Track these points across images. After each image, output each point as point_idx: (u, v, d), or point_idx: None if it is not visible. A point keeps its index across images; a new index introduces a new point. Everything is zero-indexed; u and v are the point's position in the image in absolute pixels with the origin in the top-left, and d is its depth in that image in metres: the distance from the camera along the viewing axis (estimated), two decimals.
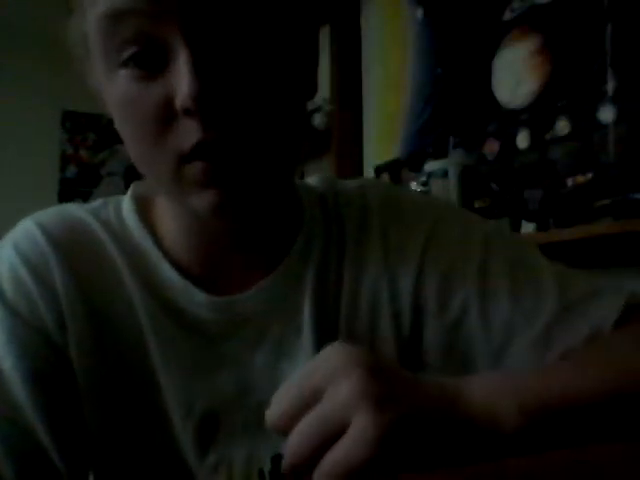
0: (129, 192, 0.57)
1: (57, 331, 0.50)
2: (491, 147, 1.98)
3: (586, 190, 1.64)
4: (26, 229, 0.53)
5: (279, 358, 0.53)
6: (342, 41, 2.65)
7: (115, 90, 0.46)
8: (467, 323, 0.53)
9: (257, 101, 0.44)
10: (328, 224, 0.58)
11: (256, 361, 0.53)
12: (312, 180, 0.63)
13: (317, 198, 0.59)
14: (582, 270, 0.56)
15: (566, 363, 0.47)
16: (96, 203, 0.57)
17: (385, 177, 2.40)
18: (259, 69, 0.44)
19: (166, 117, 0.44)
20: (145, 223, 0.55)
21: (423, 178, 2.07)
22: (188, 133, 0.43)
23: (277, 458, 0.49)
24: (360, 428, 0.33)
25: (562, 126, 1.74)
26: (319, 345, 0.53)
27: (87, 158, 3.49)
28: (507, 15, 1.95)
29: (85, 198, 3.34)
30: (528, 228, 1.72)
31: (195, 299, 0.53)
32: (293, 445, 0.35)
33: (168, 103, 0.43)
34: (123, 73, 0.44)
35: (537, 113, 1.83)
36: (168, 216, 0.55)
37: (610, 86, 1.62)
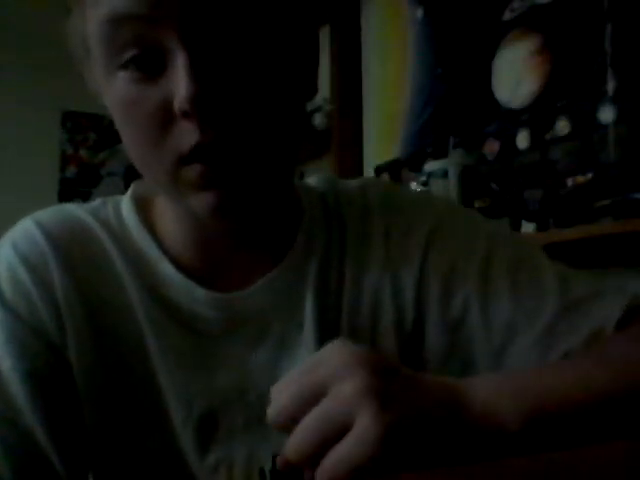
0: (129, 192, 0.57)
1: (56, 332, 0.50)
2: (491, 147, 1.98)
3: (586, 190, 1.64)
4: (25, 229, 0.53)
5: (280, 355, 0.53)
6: (342, 41, 2.65)
7: (114, 92, 0.46)
8: (468, 322, 0.53)
9: (255, 103, 0.45)
10: (329, 223, 0.58)
11: (257, 359, 0.53)
12: (312, 180, 0.63)
13: (317, 197, 0.59)
14: (582, 270, 0.56)
15: (566, 363, 0.47)
16: (95, 203, 0.57)
17: (385, 177, 2.39)
18: (257, 71, 0.45)
19: (164, 119, 0.44)
20: (145, 223, 0.55)
21: (423, 178, 2.07)
22: (186, 135, 0.44)
23: (278, 457, 0.49)
24: (364, 427, 0.33)
25: (562, 126, 1.74)
26: (321, 342, 0.53)
27: (87, 158, 3.49)
28: (507, 15, 1.95)
29: (85, 198, 3.33)
30: (528, 228, 1.72)
31: (195, 296, 0.53)
32: (295, 442, 0.35)
33: (166, 105, 0.43)
34: (122, 75, 0.44)
35: (537, 113, 1.82)
36: (168, 216, 0.55)
37: (610, 86, 1.62)
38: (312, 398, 0.35)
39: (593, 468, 0.30)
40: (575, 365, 0.44)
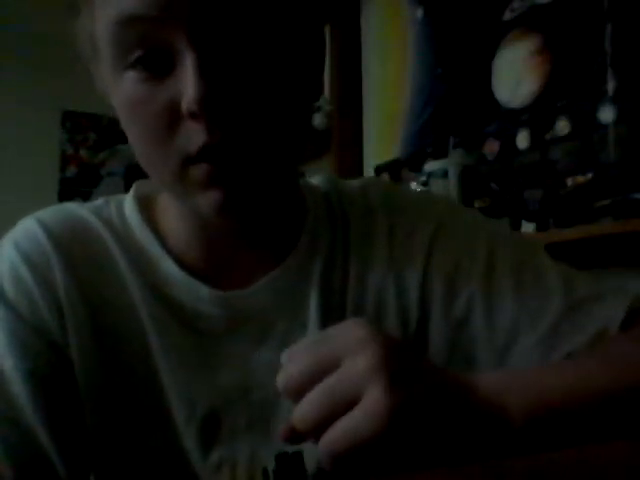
0: (131, 191, 0.57)
1: (58, 331, 0.50)
2: (491, 147, 1.98)
3: (586, 190, 1.64)
4: (27, 228, 0.53)
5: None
6: (342, 41, 2.65)
7: (122, 91, 0.46)
8: (472, 322, 0.53)
9: (262, 104, 0.45)
10: (333, 222, 0.58)
11: (260, 358, 0.53)
12: (314, 180, 0.63)
13: (321, 197, 0.59)
14: (582, 270, 0.56)
15: (569, 362, 0.47)
16: (98, 202, 0.57)
17: (385, 177, 2.39)
18: (264, 73, 0.45)
19: (172, 119, 0.44)
20: (147, 221, 0.55)
21: (423, 178, 2.07)
22: (194, 136, 0.44)
23: (281, 457, 0.49)
24: (372, 401, 0.33)
25: (562, 126, 1.74)
26: None
27: (87, 158, 3.48)
28: (507, 15, 1.95)
29: (85, 198, 3.33)
30: (528, 228, 1.72)
31: (198, 295, 0.53)
32: (302, 410, 0.35)
33: (174, 105, 0.43)
34: (130, 75, 0.45)
35: (537, 113, 1.82)
36: (171, 214, 0.55)
37: (610, 86, 1.62)
38: (324, 369, 0.35)
39: (593, 468, 0.30)
40: (578, 364, 0.44)
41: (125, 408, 0.51)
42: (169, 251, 0.54)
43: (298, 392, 0.36)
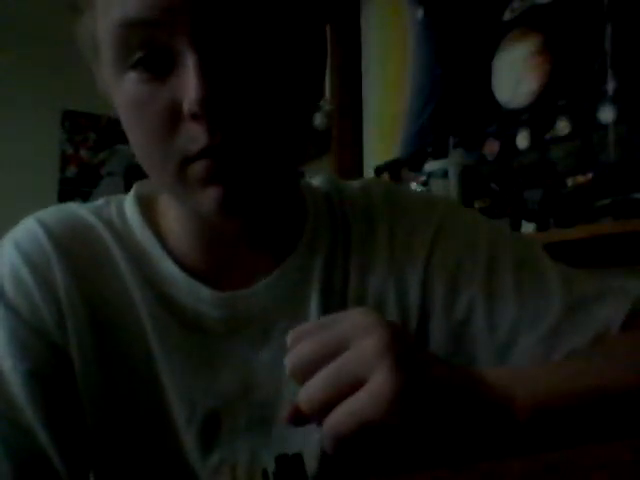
0: (132, 191, 0.57)
1: (58, 331, 0.50)
2: (491, 147, 1.98)
3: (586, 190, 1.64)
4: (28, 228, 0.53)
5: (283, 356, 0.53)
6: (342, 41, 2.65)
7: (123, 92, 0.46)
8: (473, 322, 0.53)
9: (263, 105, 0.45)
10: (334, 222, 0.58)
11: (260, 359, 0.53)
12: (315, 180, 0.63)
13: (322, 197, 0.59)
14: (582, 270, 0.56)
15: (573, 360, 0.48)
16: (98, 202, 0.57)
17: (385, 177, 2.39)
18: (265, 74, 0.45)
19: (173, 120, 0.44)
20: (148, 222, 0.55)
21: (423, 178, 2.07)
22: (195, 137, 0.44)
23: (281, 458, 0.49)
24: (379, 383, 0.33)
25: (562, 126, 1.74)
26: None
27: (87, 158, 3.48)
28: (507, 15, 1.95)
29: (85, 198, 3.33)
30: (528, 228, 1.72)
31: (199, 295, 0.52)
32: (308, 391, 0.35)
33: (175, 106, 0.43)
34: (132, 76, 0.45)
35: (537, 113, 1.82)
36: (171, 215, 0.55)
37: (610, 86, 1.62)
38: (331, 352, 0.35)
39: (594, 468, 0.30)
40: (580, 362, 0.44)
41: (125, 408, 0.51)
42: (170, 252, 0.54)
43: (305, 374, 0.36)
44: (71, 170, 3.45)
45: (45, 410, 0.48)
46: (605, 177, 1.61)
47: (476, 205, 1.91)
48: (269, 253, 0.55)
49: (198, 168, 0.45)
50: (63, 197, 3.38)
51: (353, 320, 0.37)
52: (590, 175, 1.65)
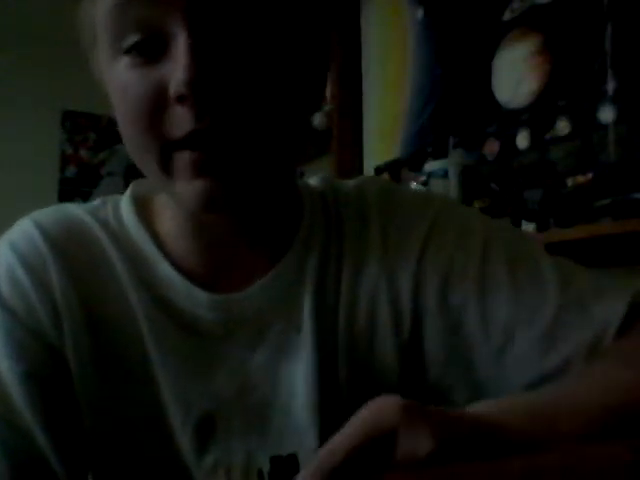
0: (128, 191, 0.57)
1: (54, 332, 0.50)
2: (491, 147, 1.98)
3: (586, 190, 1.64)
4: (24, 229, 0.53)
5: (279, 357, 0.53)
6: (342, 41, 2.65)
7: (115, 77, 0.46)
8: (467, 322, 0.53)
9: (254, 93, 0.44)
10: (328, 222, 0.57)
11: (255, 361, 0.53)
12: (312, 180, 0.63)
13: (318, 196, 0.59)
14: (580, 266, 0.56)
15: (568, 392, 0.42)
16: (95, 202, 0.57)
17: (385, 177, 2.39)
18: (258, 62, 0.44)
19: (159, 103, 0.43)
20: (144, 222, 0.55)
21: (423, 178, 2.07)
22: (180, 121, 0.43)
23: (276, 459, 0.49)
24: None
25: (562, 126, 1.74)
26: (319, 344, 0.53)
27: (87, 158, 3.48)
28: (507, 15, 1.95)
29: (85, 198, 3.33)
30: (528, 228, 1.72)
31: (194, 298, 0.52)
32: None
33: (162, 90, 0.43)
34: (125, 60, 0.44)
35: (537, 113, 1.82)
36: (167, 215, 0.54)
37: (610, 86, 1.62)
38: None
39: (594, 468, 0.30)
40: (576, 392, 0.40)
41: (121, 410, 0.51)
42: (166, 253, 0.53)
43: None
44: (71, 170, 3.45)
45: (42, 411, 0.48)
46: (605, 177, 1.61)
47: (476, 205, 1.91)
48: (265, 253, 0.54)
49: (183, 159, 0.44)
50: (63, 197, 3.38)
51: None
52: (590, 175, 1.65)
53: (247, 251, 0.54)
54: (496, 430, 0.32)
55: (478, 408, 0.34)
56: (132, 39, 0.43)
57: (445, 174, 1.96)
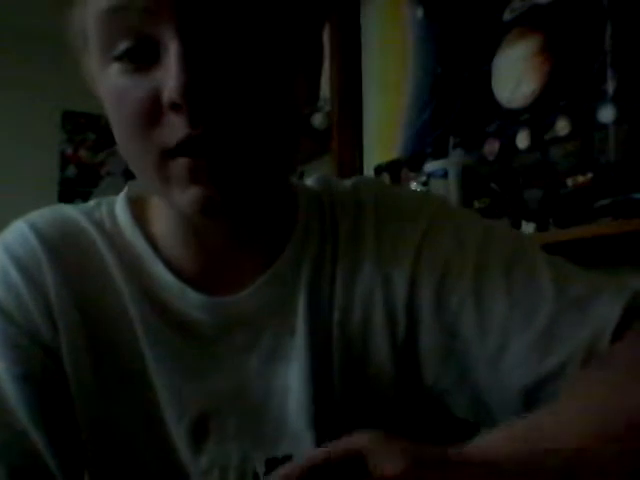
0: (123, 192, 0.57)
1: (49, 334, 0.50)
2: (491, 147, 1.98)
3: (586, 190, 1.64)
4: (18, 230, 0.53)
5: (273, 359, 0.53)
6: (342, 41, 2.64)
7: (107, 83, 0.46)
8: (463, 325, 0.52)
9: (247, 99, 0.44)
10: (323, 224, 0.57)
11: (250, 363, 0.52)
12: (308, 181, 0.62)
13: (313, 198, 0.59)
14: (578, 267, 0.55)
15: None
16: (90, 203, 0.57)
17: (385, 177, 2.39)
18: (251, 68, 0.44)
19: (153, 111, 0.43)
20: (138, 223, 0.54)
21: (423, 178, 2.07)
22: (174, 129, 0.43)
23: (272, 461, 0.49)
24: None
25: (562, 126, 1.74)
26: (313, 346, 0.53)
27: (87, 158, 3.48)
28: (507, 15, 1.94)
29: (85, 198, 3.33)
30: (528, 228, 1.72)
31: (189, 300, 0.52)
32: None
33: (155, 97, 0.43)
34: (116, 67, 0.44)
35: (537, 113, 1.82)
36: (162, 216, 0.54)
37: (610, 86, 1.61)
38: None
39: (591, 470, 0.30)
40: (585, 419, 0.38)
41: (117, 409, 0.51)
42: (160, 254, 0.53)
43: None
44: (71, 170, 3.45)
45: (39, 412, 0.48)
46: (605, 177, 1.61)
47: (476, 205, 1.91)
48: (260, 255, 0.54)
49: (179, 166, 0.44)
50: (63, 197, 3.38)
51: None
52: (590, 175, 1.65)
53: (242, 253, 0.54)
54: (475, 454, 0.32)
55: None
56: (123, 46, 0.43)
57: (445, 174, 1.96)
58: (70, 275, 0.51)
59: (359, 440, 0.32)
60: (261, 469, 0.50)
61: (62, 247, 0.52)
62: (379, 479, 0.29)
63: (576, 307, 0.50)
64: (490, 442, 0.33)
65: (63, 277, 0.51)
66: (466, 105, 2.09)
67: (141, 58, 0.43)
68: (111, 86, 0.45)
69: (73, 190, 3.42)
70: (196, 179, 0.44)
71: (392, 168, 2.39)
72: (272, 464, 0.50)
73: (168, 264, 0.53)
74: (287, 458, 0.51)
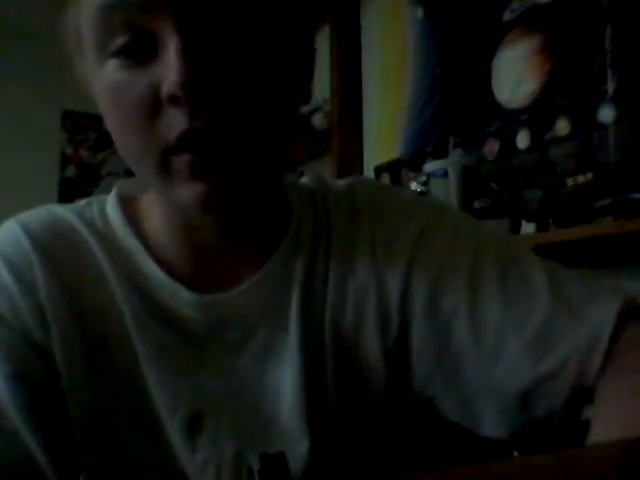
0: (113, 191, 0.57)
1: (40, 333, 0.50)
2: (491, 147, 1.98)
3: (586, 190, 1.64)
4: (9, 231, 0.53)
5: (266, 358, 0.53)
6: (342, 41, 2.64)
7: (104, 79, 0.45)
8: (457, 328, 0.51)
9: (246, 92, 0.44)
10: (316, 223, 0.57)
11: (243, 361, 0.52)
12: (303, 180, 0.62)
13: (306, 196, 0.59)
14: (582, 270, 0.55)
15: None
16: (81, 203, 0.57)
17: (385, 177, 2.39)
18: (250, 60, 0.44)
19: (153, 106, 0.43)
20: (130, 222, 0.54)
21: (423, 178, 2.07)
22: (174, 123, 0.43)
23: (266, 457, 0.49)
24: None
25: (562, 126, 1.74)
26: (305, 344, 0.53)
27: (87, 158, 3.49)
28: (507, 15, 1.95)
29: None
30: (528, 228, 1.72)
31: (181, 298, 0.52)
32: None
33: (155, 92, 0.43)
34: (113, 62, 0.44)
35: (537, 113, 1.82)
36: (155, 215, 0.54)
37: (610, 86, 1.61)
38: None
39: (586, 471, 0.30)
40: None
41: (111, 407, 0.51)
42: (152, 251, 0.53)
43: None
44: (71, 170, 3.46)
45: (31, 413, 0.48)
46: (605, 177, 1.61)
47: (476, 205, 1.90)
48: (253, 253, 0.54)
49: (180, 162, 0.44)
50: (63, 197, 3.38)
51: None
52: (590, 175, 1.65)
53: (235, 252, 0.54)
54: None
55: None
56: (120, 41, 0.43)
57: (445, 174, 1.95)
58: (62, 275, 0.51)
59: None
60: (255, 465, 0.50)
61: (53, 247, 0.52)
62: None
63: (571, 311, 0.49)
64: None
65: (54, 277, 0.51)
66: (466, 105, 2.09)
67: (138, 53, 0.43)
68: (108, 82, 0.45)
69: (73, 190, 3.42)
70: (199, 175, 0.44)
71: (392, 168, 2.40)
72: (266, 460, 0.50)
73: (160, 262, 0.53)
74: (280, 454, 0.51)
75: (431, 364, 0.53)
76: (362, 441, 0.54)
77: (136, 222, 0.55)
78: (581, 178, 1.67)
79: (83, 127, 3.44)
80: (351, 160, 2.60)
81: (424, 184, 2.04)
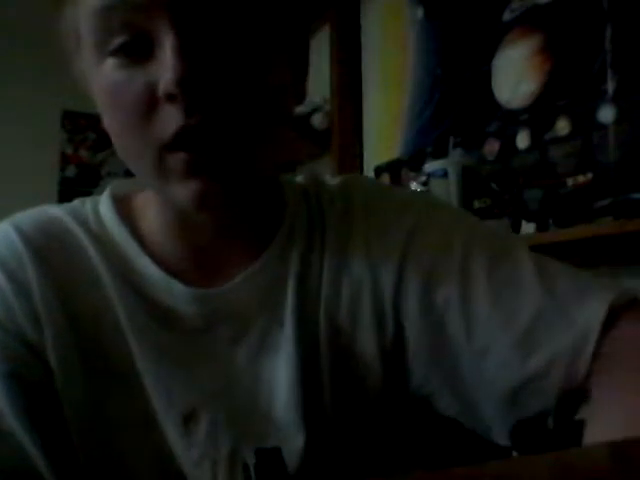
0: (107, 190, 0.57)
1: (34, 334, 0.50)
2: (491, 147, 1.98)
3: (586, 190, 1.64)
4: (2, 232, 0.53)
5: (261, 351, 0.53)
6: (342, 41, 2.65)
7: (101, 78, 0.46)
8: (450, 322, 0.52)
9: (240, 90, 0.44)
10: (311, 216, 0.57)
11: (238, 355, 0.53)
12: (297, 178, 0.63)
13: (300, 193, 0.59)
14: (582, 270, 0.55)
15: None
16: (74, 203, 0.57)
17: (385, 177, 2.39)
18: (245, 59, 0.45)
19: (149, 105, 0.44)
20: (123, 220, 0.55)
21: (423, 178, 2.07)
22: (170, 120, 0.43)
23: (261, 452, 0.50)
24: None
25: (562, 126, 1.74)
26: (301, 337, 0.53)
27: (87, 158, 3.48)
28: (507, 15, 1.95)
29: None
30: (528, 228, 1.72)
31: (176, 293, 0.52)
32: None
33: (151, 90, 0.43)
34: (111, 62, 0.45)
35: (537, 113, 1.82)
36: (150, 213, 0.55)
37: (610, 86, 1.61)
38: None
39: (586, 471, 0.30)
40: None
41: (106, 405, 0.51)
42: (146, 248, 0.54)
43: None
44: (71, 170, 3.45)
45: (26, 413, 0.48)
46: (605, 177, 1.61)
47: (476, 205, 1.90)
48: (247, 248, 0.54)
49: (176, 161, 0.44)
50: (63, 197, 3.38)
51: None
52: (590, 175, 1.65)
53: (230, 247, 0.54)
54: None
55: None
56: (118, 41, 0.44)
57: (445, 174, 1.95)
58: (55, 276, 0.51)
59: None
60: (251, 460, 0.50)
61: (47, 248, 0.52)
62: None
63: (561, 307, 0.49)
64: None
65: (48, 278, 0.51)
66: (466, 105, 2.09)
67: (136, 52, 0.44)
68: (106, 81, 0.45)
69: (73, 190, 3.42)
70: (195, 173, 0.44)
71: (392, 168, 2.40)
72: (262, 455, 0.50)
73: (154, 258, 0.53)
74: (276, 449, 0.51)
75: (427, 360, 0.53)
76: (358, 436, 0.54)
77: (131, 221, 0.55)
78: (581, 178, 1.67)
79: (83, 127, 3.44)
80: (351, 160, 2.60)
81: (424, 184, 2.04)
